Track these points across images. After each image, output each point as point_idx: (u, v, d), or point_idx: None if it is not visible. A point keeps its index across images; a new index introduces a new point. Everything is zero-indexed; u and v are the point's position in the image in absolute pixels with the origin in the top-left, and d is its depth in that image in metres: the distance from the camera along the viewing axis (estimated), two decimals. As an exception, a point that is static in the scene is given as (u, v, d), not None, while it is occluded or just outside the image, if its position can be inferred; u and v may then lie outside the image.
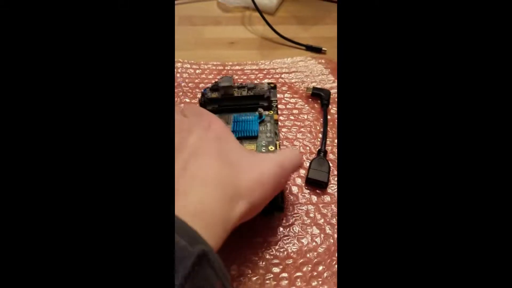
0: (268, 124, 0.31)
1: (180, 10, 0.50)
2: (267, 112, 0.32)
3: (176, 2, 0.52)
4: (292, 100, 0.36)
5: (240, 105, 0.32)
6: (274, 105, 0.33)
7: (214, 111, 0.31)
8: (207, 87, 0.32)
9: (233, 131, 0.29)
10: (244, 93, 0.32)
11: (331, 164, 0.29)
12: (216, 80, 0.34)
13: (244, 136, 0.29)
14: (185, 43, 0.44)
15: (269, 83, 0.34)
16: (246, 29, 0.47)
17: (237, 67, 0.40)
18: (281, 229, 0.26)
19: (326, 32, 0.48)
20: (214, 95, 0.32)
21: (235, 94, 0.31)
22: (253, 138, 0.29)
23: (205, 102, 0.32)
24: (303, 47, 0.44)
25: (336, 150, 0.31)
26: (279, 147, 0.29)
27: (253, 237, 0.25)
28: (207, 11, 0.51)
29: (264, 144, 0.29)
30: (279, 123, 0.34)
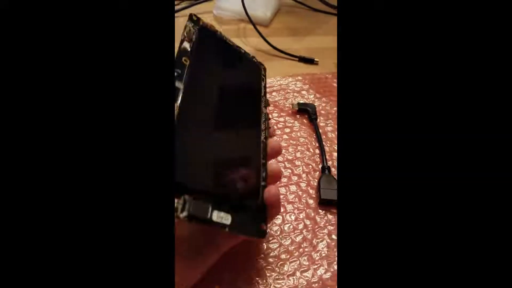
0: None
1: (176, 24, 0.51)
2: None
3: (172, 14, 0.53)
4: (281, 119, 0.37)
5: None
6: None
7: None
8: None
9: None
10: None
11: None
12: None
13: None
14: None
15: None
16: (240, 41, 0.49)
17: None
18: (307, 257, 0.26)
19: (318, 43, 0.49)
20: None
21: None
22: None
23: None
24: (296, 58, 0.46)
25: (336, 163, 0.32)
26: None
27: (280, 274, 0.24)
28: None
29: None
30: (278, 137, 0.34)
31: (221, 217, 0.19)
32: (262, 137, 0.24)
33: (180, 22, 0.55)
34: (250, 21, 0.47)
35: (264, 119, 0.25)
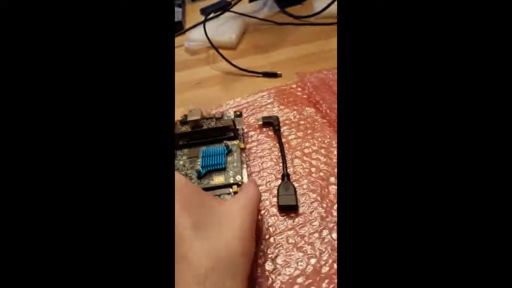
0: (235, 154, 0.34)
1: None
2: (233, 142, 0.35)
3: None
4: (250, 134, 0.39)
5: (208, 139, 0.36)
6: (240, 134, 0.37)
7: (184, 146, 0.36)
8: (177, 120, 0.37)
9: (202, 166, 0.33)
10: (213, 123, 0.35)
11: (296, 185, 0.32)
12: (185, 114, 0.37)
13: (214, 169, 0.33)
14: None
15: (235, 112, 0.40)
16: (211, 68, 0.52)
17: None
18: (267, 265, 0.27)
19: (283, 56, 0.51)
20: (184, 129, 0.35)
21: (204, 127, 0.35)
22: (222, 170, 0.33)
23: (176, 136, 0.36)
24: (260, 75, 0.48)
25: (293, 169, 0.34)
26: (245, 175, 0.32)
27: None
28: (177, 57, 0.56)
29: (231, 174, 0.32)
30: (246, 152, 0.37)
31: None
32: None
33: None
34: (213, 46, 0.50)
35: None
